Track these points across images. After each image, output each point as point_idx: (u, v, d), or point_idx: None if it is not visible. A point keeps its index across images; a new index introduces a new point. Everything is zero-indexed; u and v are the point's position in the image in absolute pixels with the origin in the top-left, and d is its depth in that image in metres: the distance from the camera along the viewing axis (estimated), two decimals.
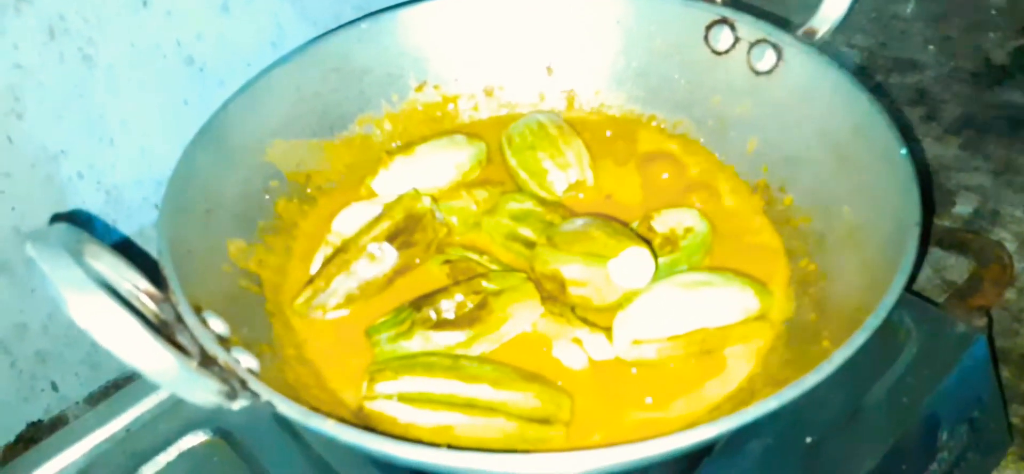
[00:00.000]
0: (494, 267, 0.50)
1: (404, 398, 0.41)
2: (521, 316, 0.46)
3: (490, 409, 0.41)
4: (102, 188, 0.60)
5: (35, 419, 0.63)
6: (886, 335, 0.51)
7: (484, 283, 0.46)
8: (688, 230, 0.50)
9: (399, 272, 0.50)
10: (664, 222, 0.51)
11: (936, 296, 0.65)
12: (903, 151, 0.45)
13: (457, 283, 0.47)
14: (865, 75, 0.88)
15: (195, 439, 0.50)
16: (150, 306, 0.38)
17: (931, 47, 0.90)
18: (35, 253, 0.31)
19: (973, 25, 0.92)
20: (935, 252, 0.68)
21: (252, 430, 0.49)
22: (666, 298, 0.46)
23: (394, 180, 0.55)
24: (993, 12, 0.94)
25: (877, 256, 0.43)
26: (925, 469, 0.49)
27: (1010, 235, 0.71)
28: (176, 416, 0.51)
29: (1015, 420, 0.59)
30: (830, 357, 0.36)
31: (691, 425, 0.37)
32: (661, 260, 0.49)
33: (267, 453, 0.48)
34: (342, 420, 0.35)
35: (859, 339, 0.37)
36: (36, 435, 0.62)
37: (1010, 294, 0.67)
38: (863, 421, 0.49)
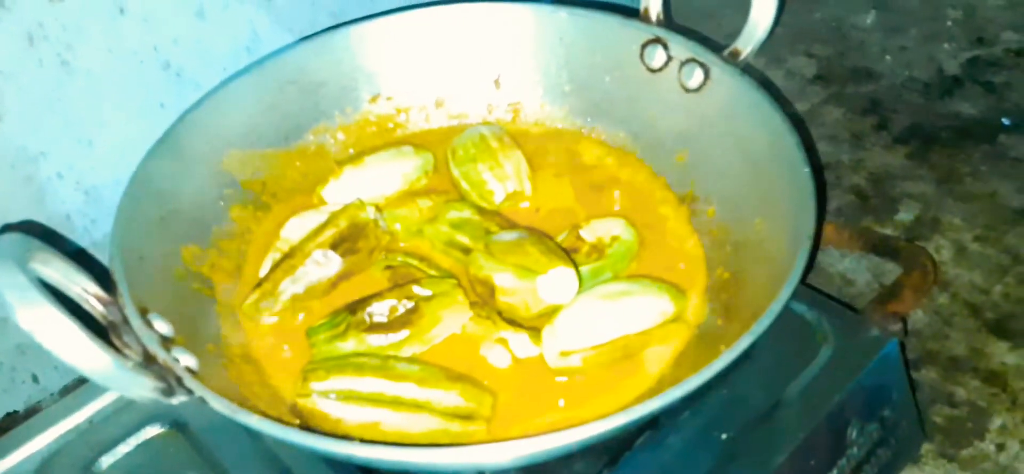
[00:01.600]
0: (431, 273, 0.53)
1: (335, 395, 0.45)
2: (450, 320, 0.50)
3: (416, 406, 0.45)
4: (81, 188, 0.63)
5: (12, 410, 0.66)
6: (804, 338, 0.55)
7: (416, 289, 0.49)
8: (615, 238, 0.54)
9: (343, 277, 0.54)
10: (593, 231, 0.54)
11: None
12: (806, 169, 0.48)
13: (392, 288, 0.50)
14: (822, 83, 0.92)
15: (153, 431, 0.53)
16: (98, 309, 0.41)
17: (888, 57, 0.93)
18: None
19: (929, 36, 0.95)
20: (873, 258, 0.72)
21: (206, 423, 0.52)
22: (590, 310, 0.50)
23: (344, 189, 0.59)
24: (949, 23, 0.97)
25: (780, 266, 0.46)
26: (834, 464, 0.52)
27: (948, 242, 0.74)
28: (136, 410, 0.53)
29: (939, 420, 0.63)
30: (710, 364, 0.39)
31: None
32: (587, 268, 0.52)
33: (220, 445, 0.51)
34: (269, 416, 0.39)
35: (743, 345, 0.40)
36: (12, 425, 0.64)
37: (942, 299, 0.70)
38: (777, 419, 0.52)
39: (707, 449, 0.50)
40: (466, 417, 0.46)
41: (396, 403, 0.45)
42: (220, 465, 0.51)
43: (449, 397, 0.45)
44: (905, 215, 0.77)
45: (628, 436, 0.50)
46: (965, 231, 0.75)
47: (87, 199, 0.63)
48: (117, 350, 0.38)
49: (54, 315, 0.35)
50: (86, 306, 0.41)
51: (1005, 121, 0.83)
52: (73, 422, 0.55)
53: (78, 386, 0.66)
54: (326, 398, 0.45)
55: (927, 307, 0.69)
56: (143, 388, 0.38)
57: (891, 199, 0.79)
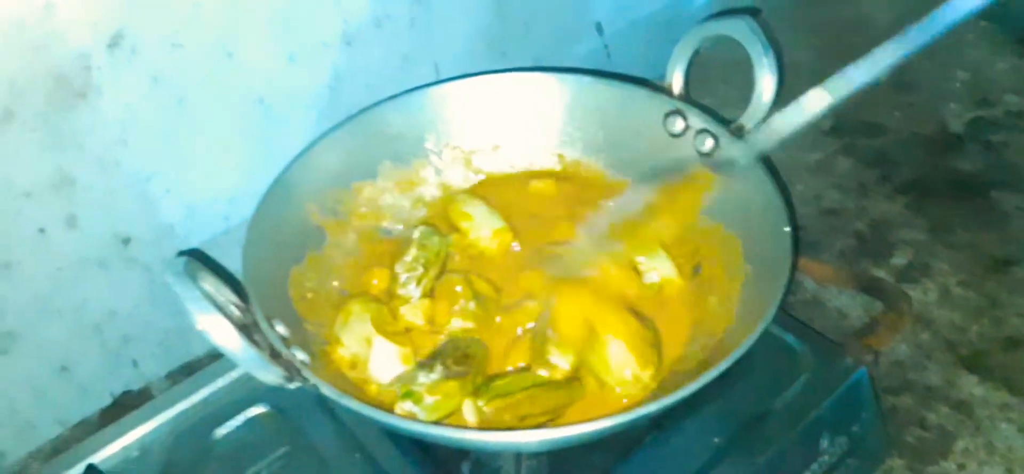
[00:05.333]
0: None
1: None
2: None
3: None
4: (183, 203, 0.75)
5: (119, 391, 0.79)
6: (789, 361, 0.69)
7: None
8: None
9: None
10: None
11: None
12: (787, 228, 0.62)
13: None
14: (836, 135, 1.04)
15: (257, 410, 0.68)
16: (236, 314, 0.56)
17: (897, 113, 1.06)
18: (170, 279, 0.50)
19: (938, 95, 1.07)
20: (863, 296, 0.85)
21: (300, 406, 0.67)
22: None
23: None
24: (958, 85, 1.09)
25: (760, 304, 0.60)
26: (808, 467, 0.66)
27: (935, 285, 0.87)
28: (243, 392, 0.69)
29: (910, 440, 0.75)
30: (695, 380, 0.53)
31: None
32: None
33: (310, 425, 0.67)
34: (364, 401, 0.54)
35: (722, 367, 0.54)
36: (127, 401, 0.79)
37: (925, 335, 0.83)
38: (762, 427, 0.66)
39: (703, 450, 0.64)
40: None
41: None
42: (309, 440, 0.66)
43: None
44: (899, 259, 0.90)
45: (637, 435, 0.64)
46: (951, 276, 0.88)
47: (187, 213, 0.76)
48: (256, 345, 0.53)
49: (220, 321, 0.50)
50: (227, 310, 0.56)
51: None
52: (192, 400, 0.70)
53: (181, 372, 0.82)
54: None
55: (911, 341, 0.82)
56: (273, 375, 0.53)
57: (888, 244, 0.91)
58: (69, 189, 0.68)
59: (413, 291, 0.69)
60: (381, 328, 0.64)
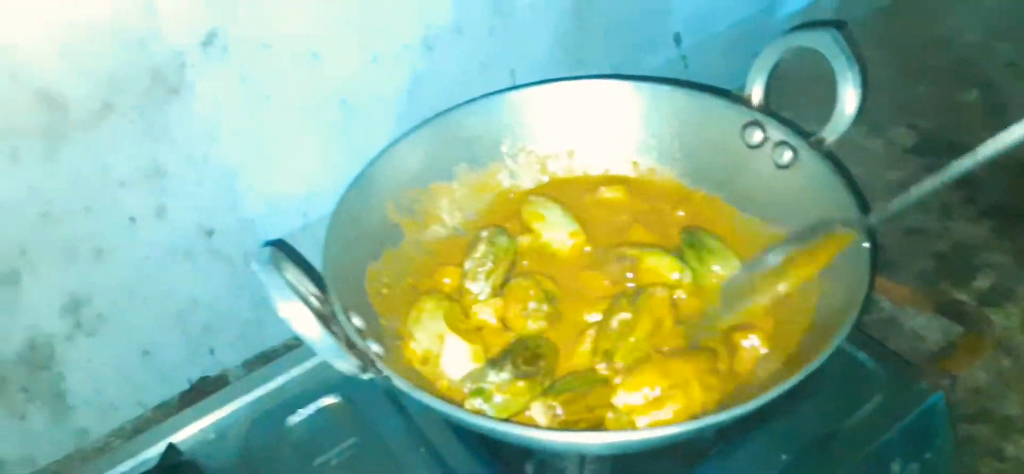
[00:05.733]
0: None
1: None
2: None
3: None
4: (265, 198, 0.77)
5: (196, 377, 0.82)
6: (862, 381, 0.68)
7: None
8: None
9: None
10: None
11: None
12: (865, 245, 0.61)
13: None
14: (919, 154, 1.02)
15: (328, 400, 0.71)
16: (315, 304, 0.58)
17: (985, 134, 1.02)
18: (256, 267, 0.53)
19: None
20: (944, 319, 0.83)
21: (370, 398, 0.69)
22: None
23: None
24: None
25: (835, 320, 0.59)
26: None
27: (1017, 310, 0.85)
28: (316, 382, 0.72)
29: (985, 471, 0.73)
30: (764, 394, 0.53)
31: None
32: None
33: (379, 417, 0.69)
34: (436, 395, 0.55)
35: (793, 382, 0.54)
36: (205, 387, 0.81)
37: (1006, 362, 0.81)
38: (831, 448, 0.65)
39: (769, 465, 0.64)
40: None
41: None
42: (377, 432, 0.68)
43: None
44: (981, 283, 0.88)
45: (702, 446, 0.64)
46: None
47: (269, 207, 0.78)
48: (335, 335, 0.55)
49: (301, 309, 0.52)
50: (307, 300, 0.58)
51: None
52: (268, 388, 0.73)
53: (258, 360, 0.84)
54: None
55: (991, 368, 0.80)
56: (349, 365, 0.55)
57: (970, 267, 0.89)
58: (160, 181, 0.71)
59: (482, 287, 0.70)
60: (454, 325, 0.65)
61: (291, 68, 0.73)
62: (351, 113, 0.79)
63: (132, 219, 0.71)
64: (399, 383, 0.56)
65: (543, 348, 0.65)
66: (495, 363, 0.63)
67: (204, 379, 0.83)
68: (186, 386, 0.81)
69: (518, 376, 0.62)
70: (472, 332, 0.67)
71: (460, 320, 0.67)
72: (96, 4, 0.63)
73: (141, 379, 0.78)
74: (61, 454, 0.76)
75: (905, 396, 0.67)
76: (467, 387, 0.62)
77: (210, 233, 0.76)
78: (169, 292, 0.77)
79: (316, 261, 0.64)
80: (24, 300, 0.69)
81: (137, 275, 0.74)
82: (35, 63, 0.62)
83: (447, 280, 0.73)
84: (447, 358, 0.65)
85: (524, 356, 0.63)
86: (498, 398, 0.61)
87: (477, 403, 0.61)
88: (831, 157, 0.68)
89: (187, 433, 0.70)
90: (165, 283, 0.76)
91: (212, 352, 0.83)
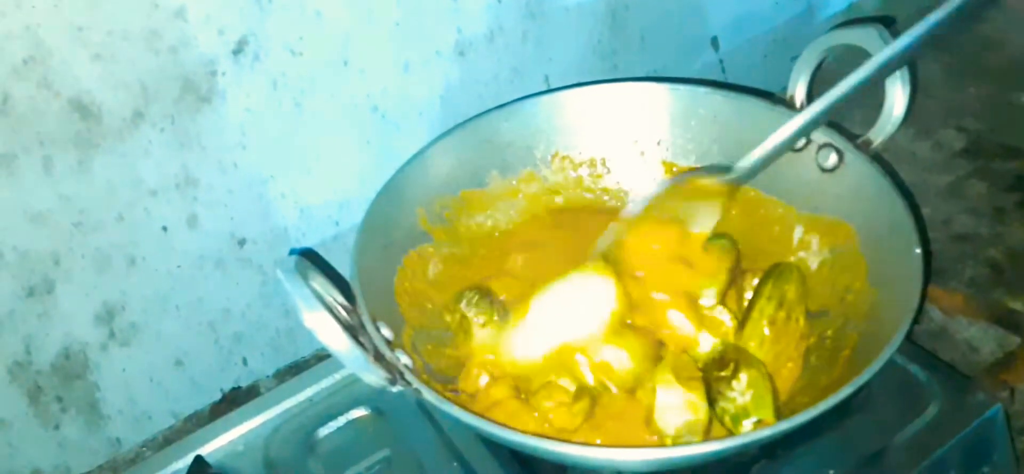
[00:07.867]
0: None
1: None
2: None
3: None
4: (297, 207, 0.77)
5: (228, 387, 0.81)
6: (914, 394, 0.65)
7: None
8: None
9: None
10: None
11: None
12: (917, 250, 0.58)
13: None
14: (969, 157, 0.98)
15: (358, 413, 0.70)
16: (343, 314, 0.57)
17: None
18: (281, 276, 0.51)
19: None
20: (999, 329, 0.79)
21: (399, 410, 0.68)
22: None
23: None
24: None
25: (887, 330, 0.56)
26: None
27: None
28: (346, 394, 0.71)
29: None
30: (814, 406, 0.50)
31: None
32: None
33: (408, 429, 0.67)
34: (467, 408, 0.54)
35: (844, 394, 0.51)
36: (236, 397, 0.81)
37: None
38: (882, 463, 0.62)
39: None
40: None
41: None
42: (408, 446, 0.67)
43: None
44: None
45: (745, 463, 0.61)
46: None
47: (301, 216, 0.78)
48: (362, 346, 0.53)
49: (328, 319, 0.51)
50: (335, 310, 0.57)
51: None
52: (297, 400, 0.72)
53: (289, 372, 0.84)
54: None
55: None
56: (377, 377, 0.54)
57: None
58: (192, 189, 0.71)
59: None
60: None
61: (323, 75, 0.73)
62: (383, 120, 0.78)
63: (164, 228, 0.71)
64: (428, 396, 0.54)
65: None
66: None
67: (236, 390, 0.83)
68: (218, 396, 0.81)
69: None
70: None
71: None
72: (128, 13, 0.63)
73: (174, 389, 0.78)
74: (95, 464, 0.76)
75: (960, 409, 0.63)
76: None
77: (242, 242, 0.76)
78: (201, 301, 0.76)
79: (348, 269, 0.63)
80: (58, 309, 0.69)
81: (169, 284, 0.74)
82: (67, 72, 0.62)
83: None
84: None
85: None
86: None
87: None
88: (878, 160, 0.65)
89: (216, 445, 0.70)
90: (197, 292, 0.76)
91: (244, 362, 0.82)
